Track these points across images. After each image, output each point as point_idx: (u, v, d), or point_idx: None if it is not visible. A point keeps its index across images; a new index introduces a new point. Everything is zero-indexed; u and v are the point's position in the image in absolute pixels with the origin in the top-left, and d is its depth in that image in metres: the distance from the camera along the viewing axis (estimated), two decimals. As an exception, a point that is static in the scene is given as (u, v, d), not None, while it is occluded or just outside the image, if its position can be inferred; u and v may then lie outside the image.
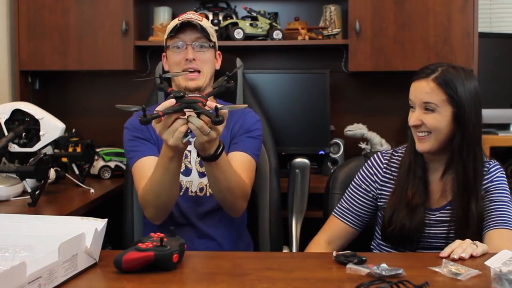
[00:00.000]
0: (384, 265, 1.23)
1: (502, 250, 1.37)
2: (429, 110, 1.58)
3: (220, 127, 1.48)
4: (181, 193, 1.85)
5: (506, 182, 1.66)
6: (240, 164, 1.78)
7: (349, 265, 1.25)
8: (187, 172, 1.86)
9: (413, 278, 1.16)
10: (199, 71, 1.83)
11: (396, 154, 1.73)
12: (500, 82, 2.88)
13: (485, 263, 1.29)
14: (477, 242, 1.40)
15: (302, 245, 2.28)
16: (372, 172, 1.74)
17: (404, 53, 2.69)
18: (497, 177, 1.65)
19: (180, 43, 1.84)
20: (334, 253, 1.34)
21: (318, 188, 2.23)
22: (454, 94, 1.57)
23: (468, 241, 1.39)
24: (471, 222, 1.59)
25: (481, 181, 1.62)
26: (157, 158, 1.71)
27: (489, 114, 2.78)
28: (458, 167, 1.60)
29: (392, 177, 1.70)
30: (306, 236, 1.81)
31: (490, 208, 1.61)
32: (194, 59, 1.82)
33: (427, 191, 1.66)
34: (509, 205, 1.61)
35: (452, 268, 1.23)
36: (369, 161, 1.76)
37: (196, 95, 1.45)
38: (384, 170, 1.72)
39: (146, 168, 1.74)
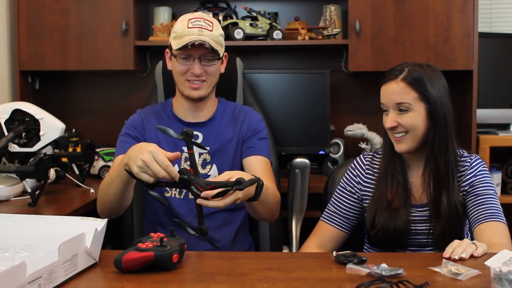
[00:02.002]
0: (384, 265, 1.23)
1: (502, 250, 1.36)
2: (403, 111, 1.60)
3: (237, 194, 1.42)
4: (181, 196, 1.85)
5: (489, 175, 1.67)
6: (261, 169, 1.81)
7: (349, 265, 1.25)
8: None
9: (413, 278, 1.16)
10: (203, 80, 1.82)
11: (378, 156, 1.75)
12: (500, 82, 2.88)
13: (485, 263, 1.29)
14: (476, 242, 1.40)
15: (302, 245, 2.29)
16: (355, 174, 1.75)
17: (404, 53, 2.69)
18: (479, 171, 1.65)
19: (187, 55, 1.79)
20: (334, 253, 1.34)
21: (318, 188, 2.23)
22: (424, 91, 1.59)
23: (466, 240, 1.39)
24: (442, 214, 1.61)
25: (454, 173, 1.63)
26: None
27: (489, 114, 2.80)
28: (430, 160, 1.62)
29: (374, 177, 1.71)
30: (306, 236, 1.81)
31: (476, 202, 1.61)
32: (200, 73, 1.79)
33: (408, 190, 1.67)
34: (495, 197, 1.62)
35: (452, 268, 1.23)
36: (352, 164, 1.78)
37: (200, 181, 1.41)
38: (366, 171, 1.74)
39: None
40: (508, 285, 1.09)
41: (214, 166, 1.87)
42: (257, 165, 1.82)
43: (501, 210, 1.60)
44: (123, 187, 1.61)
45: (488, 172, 1.67)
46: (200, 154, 1.87)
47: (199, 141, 1.87)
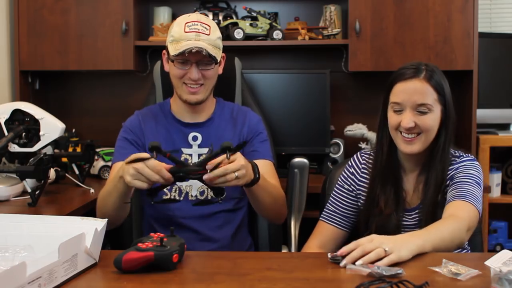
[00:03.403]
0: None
1: (502, 250, 1.36)
2: (422, 112, 1.55)
3: (236, 166, 1.48)
4: (181, 198, 1.85)
5: (476, 171, 1.57)
6: (265, 172, 1.82)
7: (349, 265, 1.25)
8: None
9: (413, 278, 1.16)
10: (201, 84, 1.81)
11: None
12: (500, 82, 2.88)
13: (485, 263, 1.29)
14: (390, 249, 1.26)
15: (301, 245, 2.28)
16: (351, 172, 1.74)
17: (404, 53, 2.69)
18: (464, 165, 1.58)
19: (184, 60, 1.78)
20: (329, 255, 1.31)
21: (318, 188, 2.22)
22: (442, 92, 1.57)
23: (375, 240, 1.28)
24: (438, 213, 1.54)
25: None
26: None
27: (489, 114, 2.80)
28: (439, 163, 1.58)
29: (369, 176, 1.69)
30: (305, 236, 1.81)
31: (452, 188, 1.55)
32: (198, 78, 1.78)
33: (400, 195, 1.63)
34: (470, 184, 1.53)
35: (452, 268, 1.23)
36: (349, 162, 1.76)
37: (195, 168, 1.46)
38: (362, 170, 1.72)
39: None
40: (508, 285, 1.09)
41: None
42: (262, 168, 1.81)
43: (476, 196, 1.51)
44: (120, 199, 1.63)
45: (476, 170, 1.58)
46: (199, 155, 1.87)
47: (198, 142, 1.88)
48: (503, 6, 3.15)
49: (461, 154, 1.65)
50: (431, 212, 1.57)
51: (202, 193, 1.85)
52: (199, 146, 1.88)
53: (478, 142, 2.70)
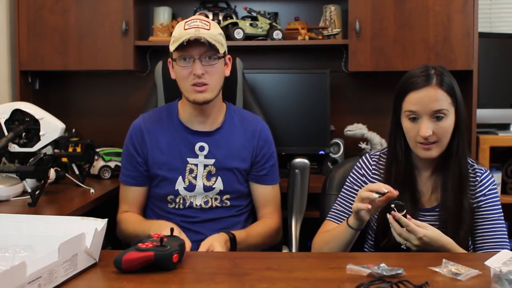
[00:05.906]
0: (384, 265, 1.23)
1: (502, 250, 1.37)
2: (439, 118, 1.54)
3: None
4: (186, 206, 1.85)
5: (497, 194, 1.64)
6: (267, 198, 1.93)
7: (349, 265, 1.25)
8: (191, 188, 1.85)
9: (413, 278, 1.16)
10: (206, 84, 1.78)
11: (384, 156, 1.71)
12: (500, 82, 2.88)
13: (485, 263, 1.29)
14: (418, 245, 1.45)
15: (302, 245, 2.28)
16: (362, 173, 1.72)
17: (404, 53, 2.69)
18: (489, 190, 1.63)
19: (187, 57, 1.77)
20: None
21: (318, 188, 2.22)
22: (454, 94, 1.56)
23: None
24: (464, 217, 1.58)
25: (469, 177, 1.62)
26: (139, 189, 1.88)
27: (489, 114, 2.80)
28: (455, 165, 1.59)
29: (380, 179, 1.68)
30: (306, 236, 1.81)
31: (483, 227, 1.61)
32: (202, 74, 1.76)
33: (416, 195, 1.63)
34: (501, 222, 1.61)
35: (452, 268, 1.23)
36: (357, 163, 1.75)
37: None
38: (373, 171, 1.71)
39: (128, 197, 1.91)
40: (508, 285, 1.09)
41: (219, 178, 1.86)
42: (267, 195, 1.94)
43: (506, 236, 1.60)
44: None
45: (496, 190, 1.65)
46: (205, 165, 1.86)
47: (205, 152, 1.87)
48: (503, 6, 3.15)
49: (473, 163, 1.66)
50: (453, 214, 1.58)
51: (206, 202, 1.85)
52: (205, 156, 1.86)
53: (478, 142, 2.70)
